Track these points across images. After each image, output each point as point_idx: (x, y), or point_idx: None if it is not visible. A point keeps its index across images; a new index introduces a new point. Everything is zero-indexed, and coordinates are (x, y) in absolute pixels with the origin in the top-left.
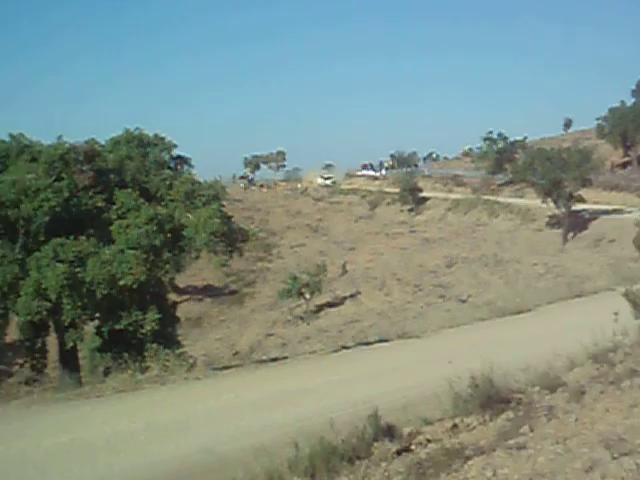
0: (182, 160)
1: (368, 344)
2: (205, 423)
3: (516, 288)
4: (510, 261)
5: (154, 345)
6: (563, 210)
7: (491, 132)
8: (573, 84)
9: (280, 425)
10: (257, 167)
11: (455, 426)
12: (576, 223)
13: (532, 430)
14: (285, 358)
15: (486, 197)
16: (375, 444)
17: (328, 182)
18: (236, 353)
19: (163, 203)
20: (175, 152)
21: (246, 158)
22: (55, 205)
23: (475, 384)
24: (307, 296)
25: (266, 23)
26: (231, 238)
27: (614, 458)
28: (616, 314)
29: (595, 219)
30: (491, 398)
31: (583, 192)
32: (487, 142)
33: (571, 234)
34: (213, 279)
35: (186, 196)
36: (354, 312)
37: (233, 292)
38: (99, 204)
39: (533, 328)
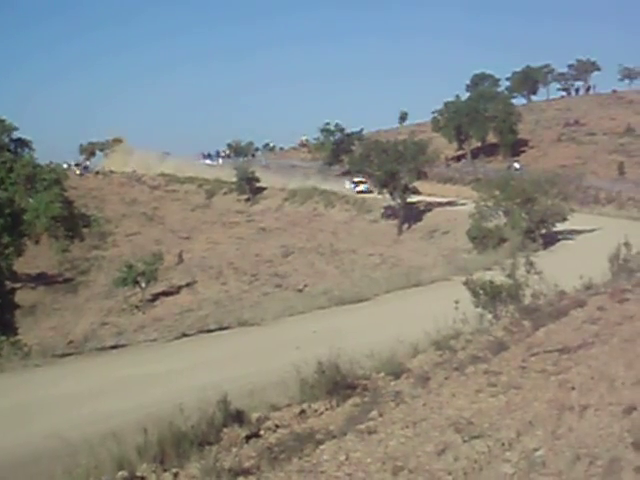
0: (23, 143)
1: (209, 332)
2: (49, 410)
3: (352, 278)
4: (346, 251)
5: None
6: (399, 201)
7: (328, 123)
8: (409, 78)
9: (127, 411)
10: (93, 154)
11: (303, 412)
12: (411, 214)
13: (381, 415)
14: (125, 346)
15: (323, 187)
16: (225, 429)
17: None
18: (70, 342)
19: (3, 186)
20: (15, 135)
21: (82, 145)
22: None
23: (321, 370)
24: (143, 285)
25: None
26: (72, 223)
27: (465, 441)
28: (457, 302)
29: (430, 211)
30: (338, 384)
31: (418, 184)
32: (324, 133)
33: (406, 225)
34: (47, 267)
35: (27, 180)
36: (190, 301)
37: (67, 280)
38: None
39: (374, 316)
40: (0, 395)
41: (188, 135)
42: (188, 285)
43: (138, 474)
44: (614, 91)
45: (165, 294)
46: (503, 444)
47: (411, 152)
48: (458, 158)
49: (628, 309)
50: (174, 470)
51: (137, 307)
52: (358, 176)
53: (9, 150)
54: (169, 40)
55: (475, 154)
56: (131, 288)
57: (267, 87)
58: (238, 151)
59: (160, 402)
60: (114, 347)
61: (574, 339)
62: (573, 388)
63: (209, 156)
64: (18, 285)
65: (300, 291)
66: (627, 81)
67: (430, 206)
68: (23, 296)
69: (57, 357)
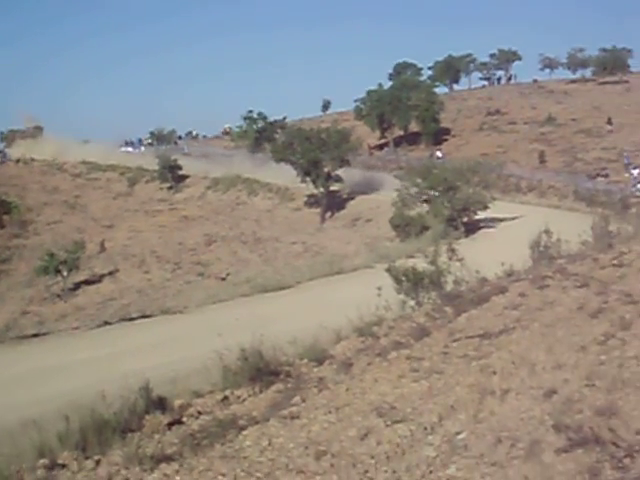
0: None
1: (131, 319)
2: None
3: (275, 266)
4: (269, 239)
5: None
6: (322, 190)
7: (251, 111)
8: (332, 66)
9: (48, 399)
10: (13, 141)
11: (226, 398)
12: (334, 203)
13: (304, 400)
14: (46, 334)
15: (247, 175)
16: (147, 416)
17: None
18: None
19: None
20: None
21: (2, 132)
22: None
23: (244, 357)
24: (64, 273)
25: None
26: None
27: (388, 425)
28: (379, 289)
29: (353, 199)
30: (260, 370)
31: (342, 172)
32: (247, 121)
33: (329, 214)
34: None
35: None
36: (113, 290)
37: None
38: None
39: (297, 304)
40: None
41: (110, 123)
42: (110, 274)
43: (60, 461)
44: (535, 80)
45: (87, 283)
46: (425, 428)
47: (334, 140)
48: (381, 147)
49: (548, 295)
50: (96, 457)
51: (59, 296)
52: None
53: None
54: (93, 39)
55: (398, 142)
56: (53, 277)
57: (190, 76)
58: (161, 139)
59: (82, 390)
60: (35, 335)
61: (495, 324)
62: (494, 373)
63: (131, 144)
64: None
65: (223, 279)
66: (548, 71)
67: (353, 194)
68: None
69: None
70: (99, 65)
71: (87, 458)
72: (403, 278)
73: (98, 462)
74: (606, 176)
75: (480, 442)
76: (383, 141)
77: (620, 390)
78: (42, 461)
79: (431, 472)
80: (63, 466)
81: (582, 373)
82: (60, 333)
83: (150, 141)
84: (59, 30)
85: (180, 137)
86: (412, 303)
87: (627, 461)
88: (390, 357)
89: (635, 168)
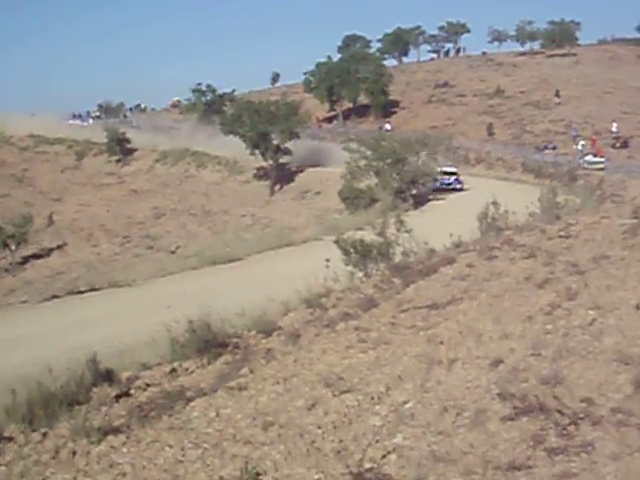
0: None
1: (80, 293)
2: None
3: (224, 239)
4: (218, 212)
5: None
6: (270, 162)
7: (200, 84)
8: (281, 39)
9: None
10: None
11: (174, 370)
12: (283, 175)
13: (252, 372)
14: None
15: (195, 148)
16: (94, 389)
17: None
18: None
19: None
20: None
21: None
22: None
23: (192, 329)
24: (12, 247)
25: None
26: None
27: (335, 395)
28: (327, 261)
29: (302, 171)
30: (209, 342)
31: (291, 145)
32: (196, 94)
33: (278, 186)
34: None
35: None
36: (61, 263)
37: None
38: None
39: (245, 276)
40: None
41: (57, 96)
42: (59, 247)
43: (6, 434)
44: (484, 53)
45: (35, 257)
46: (372, 398)
47: (283, 113)
48: (330, 119)
49: (496, 266)
50: (43, 430)
51: (7, 270)
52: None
53: None
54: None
55: (347, 115)
56: (1, 251)
57: (139, 49)
58: (109, 112)
59: (29, 363)
60: None
61: (443, 295)
62: (442, 343)
63: (79, 117)
64: None
65: (172, 252)
66: (496, 43)
67: (302, 167)
68: None
69: None
70: (46, 37)
71: (34, 431)
72: (351, 250)
73: (45, 435)
74: (554, 148)
75: (427, 411)
76: (332, 114)
77: (565, 359)
78: None
79: (377, 441)
80: (10, 439)
81: (528, 342)
82: (8, 307)
83: (98, 114)
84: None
85: (129, 109)
86: (360, 275)
87: (571, 429)
88: (338, 328)
89: (581, 139)
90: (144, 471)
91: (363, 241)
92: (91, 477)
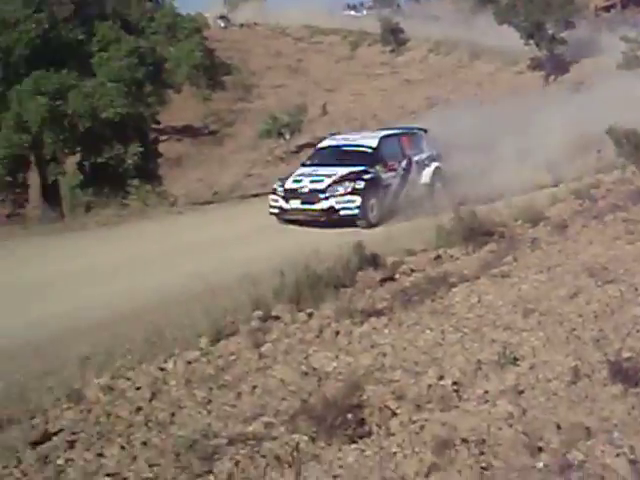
0: None
1: None
2: (192, 254)
3: None
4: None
5: (135, 181)
6: (545, 52)
7: None
8: None
9: (266, 257)
10: (236, 6)
11: (439, 257)
12: (558, 66)
13: (516, 260)
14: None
15: (468, 38)
16: (359, 273)
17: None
18: (216, 193)
19: (144, 36)
20: None
21: None
22: (35, 37)
23: (459, 217)
24: (287, 137)
25: None
26: (213, 72)
27: (598, 286)
28: (599, 152)
29: (577, 62)
30: (474, 230)
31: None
32: None
33: (552, 77)
34: (192, 119)
35: (167, 29)
36: None
37: (212, 132)
38: (79, 37)
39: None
40: (148, 240)
41: None
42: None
43: (274, 314)
44: None
45: (309, 146)
46: (637, 289)
47: (559, 2)
48: (607, 8)
49: None
50: (308, 310)
51: (281, 159)
52: None
53: None
54: None
55: (625, 4)
56: (275, 140)
57: None
58: (382, 2)
59: (300, 247)
60: (256, 196)
61: None
62: None
63: (354, 7)
64: (164, 137)
65: None
66: None
67: (578, 57)
68: (169, 148)
69: (199, 205)
70: None
71: (300, 311)
72: (624, 141)
73: (310, 315)
74: None
75: None
76: (610, 2)
77: None
78: (257, 313)
79: (638, 331)
80: (277, 318)
81: None
82: None
83: (372, 4)
84: None
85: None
86: (632, 167)
87: None
88: (606, 219)
89: None
90: (404, 352)
91: (637, 132)
92: (352, 356)
